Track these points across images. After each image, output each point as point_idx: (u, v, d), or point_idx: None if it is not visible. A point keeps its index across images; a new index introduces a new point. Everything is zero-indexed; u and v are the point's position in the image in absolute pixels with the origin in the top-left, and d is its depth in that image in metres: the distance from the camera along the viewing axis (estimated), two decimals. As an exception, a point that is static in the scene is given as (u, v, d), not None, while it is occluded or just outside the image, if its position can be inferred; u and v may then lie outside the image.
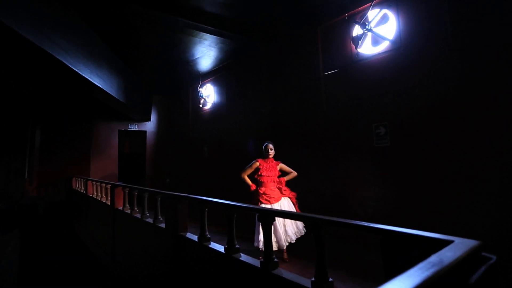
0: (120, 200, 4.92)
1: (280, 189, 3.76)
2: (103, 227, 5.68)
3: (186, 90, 8.85)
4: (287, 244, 3.50)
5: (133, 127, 9.76)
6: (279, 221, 3.47)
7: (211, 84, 7.69)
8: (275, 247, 3.33)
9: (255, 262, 2.11)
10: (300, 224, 3.58)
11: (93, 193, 6.81)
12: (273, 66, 5.79)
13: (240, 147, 6.27)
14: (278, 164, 3.89)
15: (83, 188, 7.64)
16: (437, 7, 3.52)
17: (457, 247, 0.80)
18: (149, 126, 9.91)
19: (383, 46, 4.05)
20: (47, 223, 8.48)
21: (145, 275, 3.81)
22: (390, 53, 3.98)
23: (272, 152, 3.86)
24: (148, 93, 9.49)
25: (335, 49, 4.70)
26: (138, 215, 4.14)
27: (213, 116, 7.68)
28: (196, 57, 6.66)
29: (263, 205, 3.59)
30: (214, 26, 5.11)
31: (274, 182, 3.77)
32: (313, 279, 1.66)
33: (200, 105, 7.74)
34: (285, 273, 1.89)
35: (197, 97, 7.82)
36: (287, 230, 3.49)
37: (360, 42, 4.10)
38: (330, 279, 1.64)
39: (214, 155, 7.46)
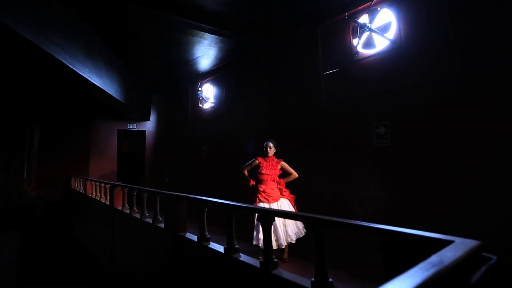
0: (119, 200, 4.91)
1: (280, 189, 3.75)
2: (102, 227, 5.67)
3: (186, 90, 8.83)
4: (287, 244, 3.49)
5: (133, 126, 9.75)
6: (279, 220, 3.46)
7: (211, 84, 7.68)
8: (274, 246, 3.32)
9: (255, 262, 2.10)
10: (300, 224, 3.58)
11: (92, 193, 6.80)
12: (273, 65, 5.78)
13: (239, 147, 6.26)
14: (279, 163, 3.83)
15: (82, 188, 7.63)
16: (437, 6, 3.52)
17: (457, 247, 0.80)
18: (149, 125, 9.90)
19: (383, 46, 4.04)
20: (46, 223, 8.48)
21: (144, 275, 3.81)
22: (390, 52, 3.98)
23: (270, 151, 3.82)
24: (147, 93, 9.49)
25: (335, 49, 4.69)
26: (137, 215, 4.13)
27: (212, 116, 7.67)
28: (195, 57, 6.65)
29: (261, 203, 3.57)
30: (214, 25, 5.10)
31: (274, 181, 3.76)
32: (313, 279, 1.65)
33: (200, 105, 7.73)
34: (285, 273, 1.89)
35: (196, 96, 7.81)
36: (288, 230, 3.48)
37: (360, 41, 4.10)
38: (330, 279, 1.63)
39: (214, 155, 7.45)
